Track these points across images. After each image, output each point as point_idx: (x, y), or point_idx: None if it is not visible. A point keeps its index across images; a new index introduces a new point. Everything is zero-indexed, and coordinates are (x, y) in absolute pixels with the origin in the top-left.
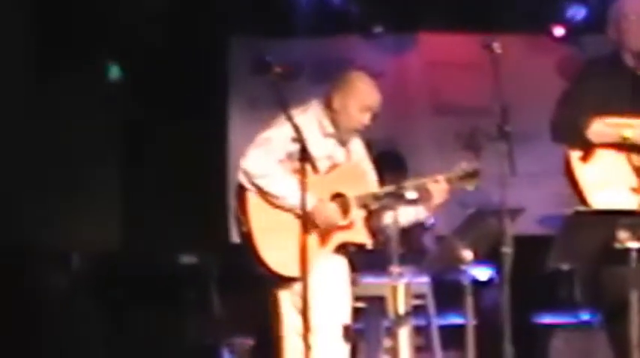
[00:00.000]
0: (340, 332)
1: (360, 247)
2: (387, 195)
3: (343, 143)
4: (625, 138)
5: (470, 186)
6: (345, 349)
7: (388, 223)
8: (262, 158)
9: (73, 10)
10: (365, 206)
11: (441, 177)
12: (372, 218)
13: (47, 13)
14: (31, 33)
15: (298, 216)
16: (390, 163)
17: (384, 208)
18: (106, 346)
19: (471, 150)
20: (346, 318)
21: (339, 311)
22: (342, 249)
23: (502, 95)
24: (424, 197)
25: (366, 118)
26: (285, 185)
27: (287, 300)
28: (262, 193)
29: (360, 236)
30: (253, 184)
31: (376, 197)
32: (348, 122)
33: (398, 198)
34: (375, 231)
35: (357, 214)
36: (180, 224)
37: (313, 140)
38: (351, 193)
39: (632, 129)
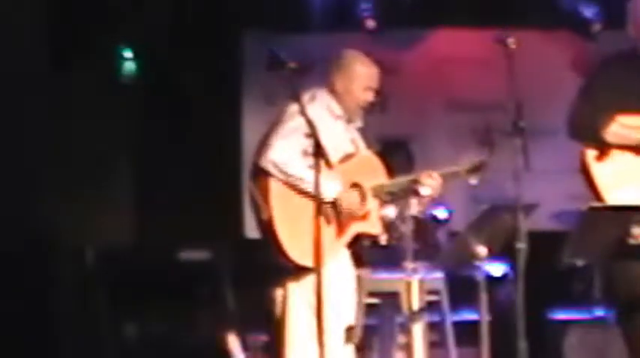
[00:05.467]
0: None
1: (374, 240)
2: (401, 184)
3: (351, 123)
4: None
5: (473, 180)
6: (349, 349)
7: (388, 214)
8: (288, 147)
9: (85, 6)
10: (378, 197)
11: (435, 174)
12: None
13: (61, 10)
14: (45, 31)
15: (324, 203)
16: (397, 154)
17: (392, 200)
18: (119, 341)
19: (486, 146)
20: (350, 319)
21: (345, 312)
22: (357, 240)
23: (517, 91)
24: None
25: (370, 96)
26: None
27: (295, 293)
28: (292, 181)
29: (375, 227)
30: (283, 173)
31: (390, 187)
32: (354, 102)
33: (411, 191)
34: (387, 226)
35: (372, 205)
36: (194, 220)
37: (326, 127)
38: (366, 184)
39: None
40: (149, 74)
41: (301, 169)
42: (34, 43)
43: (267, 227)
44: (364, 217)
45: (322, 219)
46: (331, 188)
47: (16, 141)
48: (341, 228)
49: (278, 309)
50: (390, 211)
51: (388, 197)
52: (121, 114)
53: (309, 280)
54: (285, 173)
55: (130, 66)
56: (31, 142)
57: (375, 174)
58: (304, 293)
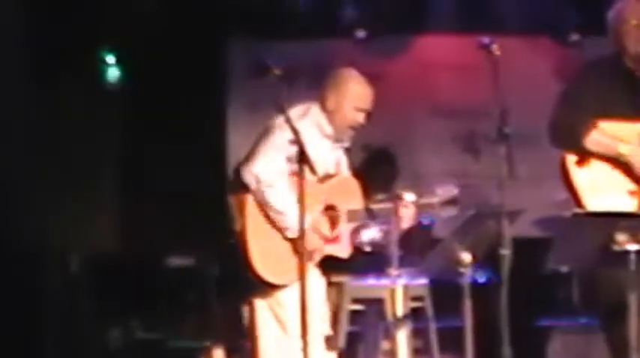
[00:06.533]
0: (321, 340)
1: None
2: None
3: (339, 142)
4: (620, 154)
5: (446, 213)
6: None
7: (365, 240)
8: (273, 165)
9: (69, 12)
10: (353, 221)
11: (410, 203)
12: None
13: (44, 17)
14: (29, 37)
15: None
16: (383, 163)
17: (364, 226)
18: (104, 348)
19: (470, 153)
20: (325, 327)
21: (318, 320)
22: (326, 259)
23: (501, 97)
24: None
25: (360, 117)
26: (287, 202)
27: (264, 308)
28: (263, 201)
29: (344, 251)
30: (258, 190)
31: (365, 213)
32: (343, 121)
33: (396, 200)
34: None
35: (345, 228)
36: (180, 226)
37: (312, 145)
38: (343, 206)
39: (629, 146)
40: (134, 80)
41: (276, 193)
42: (18, 50)
43: (238, 238)
44: (335, 240)
45: (295, 243)
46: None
47: (1, 148)
48: (312, 251)
49: (247, 324)
50: (369, 234)
51: (363, 221)
52: (106, 120)
53: (276, 296)
54: (261, 192)
55: (114, 72)
56: (16, 149)
57: (352, 196)
58: (272, 308)
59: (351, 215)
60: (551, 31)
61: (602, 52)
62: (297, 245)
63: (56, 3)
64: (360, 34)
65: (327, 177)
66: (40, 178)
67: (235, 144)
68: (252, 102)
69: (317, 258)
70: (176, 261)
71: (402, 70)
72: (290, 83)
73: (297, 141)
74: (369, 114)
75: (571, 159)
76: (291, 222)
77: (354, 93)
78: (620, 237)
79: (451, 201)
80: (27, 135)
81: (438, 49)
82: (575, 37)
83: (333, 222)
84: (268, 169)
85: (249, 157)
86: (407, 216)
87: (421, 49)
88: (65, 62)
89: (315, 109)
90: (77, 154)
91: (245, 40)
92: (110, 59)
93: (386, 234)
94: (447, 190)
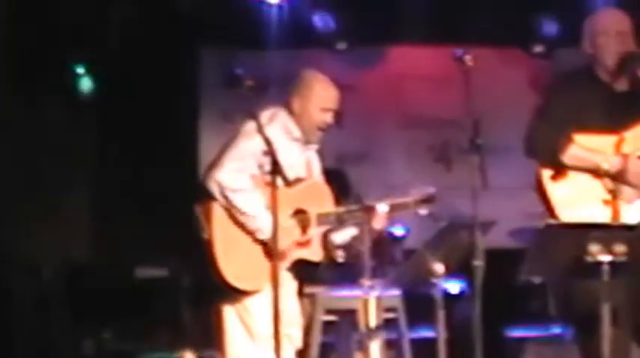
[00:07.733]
0: (287, 343)
1: (331, 258)
2: (347, 213)
3: (308, 144)
4: (599, 168)
5: (423, 211)
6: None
7: (338, 242)
8: (237, 171)
9: (42, 24)
10: (323, 224)
11: (381, 205)
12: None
13: (18, 31)
14: (5, 49)
15: (260, 241)
16: (334, 182)
17: (336, 228)
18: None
19: (443, 163)
20: (294, 330)
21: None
22: (298, 263)
23: (474, 108)
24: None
25: (328, 117)
26: (255, 205)
27: (231, 315)
28: (230, 207)
29: (316, 255)
30: (224, 197)
31: (338, 215)
32: (311, 123)
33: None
34: (332, 248)
35: (316, 232)
36: (151, 236)
37: (281, 149)
38: (313, 210)
39: (608, 162)
40: (106, 91)
41: (243, 198)
42: None
43: (207, 247)
44: (306, 244)
45: (263, 244)
46: (269, 226)
47: None
48: (282, 253)
49: (215, 331)
50: (344, 235)
51: (334, 224)
52: (78, 131)
53: (243, 302)
54: (227, 198)
55: (86, 83)
56: None
57: (322, 200)
58: (239, 314)
59: (321, 218)
60: (520, 42)
61: (571, 63)
62: (269, 247)
63: (30, 14)
64: (335, 45)
65: (296, 181)
66: (12, 189)
67: (208, 154)
68: (224, 113)
69: (288, 260)
70: (148, 272)
71: (375, 81)
72: (263, 93)
73: (270, 151)
74: (337, 114)
75: (546, 173)
76: (261, 222)
77: (319, 94)
78: (593, 247)
79: (427, 199)
80: None
81: (412, 61)
82: (544, 48)
83: (304, 226)
84: (231, 176)
85: (212, 166)
86: (379, 221)
87: (395, 60)
88: (39, 73)
89: (282, 113)
90: (49, 165)
91: (218, 50)
92: (82, 70)
93: (358, 236)
94: (423, 189)
